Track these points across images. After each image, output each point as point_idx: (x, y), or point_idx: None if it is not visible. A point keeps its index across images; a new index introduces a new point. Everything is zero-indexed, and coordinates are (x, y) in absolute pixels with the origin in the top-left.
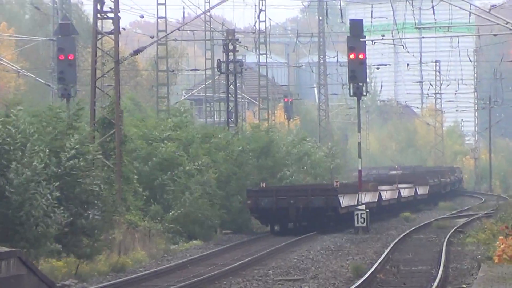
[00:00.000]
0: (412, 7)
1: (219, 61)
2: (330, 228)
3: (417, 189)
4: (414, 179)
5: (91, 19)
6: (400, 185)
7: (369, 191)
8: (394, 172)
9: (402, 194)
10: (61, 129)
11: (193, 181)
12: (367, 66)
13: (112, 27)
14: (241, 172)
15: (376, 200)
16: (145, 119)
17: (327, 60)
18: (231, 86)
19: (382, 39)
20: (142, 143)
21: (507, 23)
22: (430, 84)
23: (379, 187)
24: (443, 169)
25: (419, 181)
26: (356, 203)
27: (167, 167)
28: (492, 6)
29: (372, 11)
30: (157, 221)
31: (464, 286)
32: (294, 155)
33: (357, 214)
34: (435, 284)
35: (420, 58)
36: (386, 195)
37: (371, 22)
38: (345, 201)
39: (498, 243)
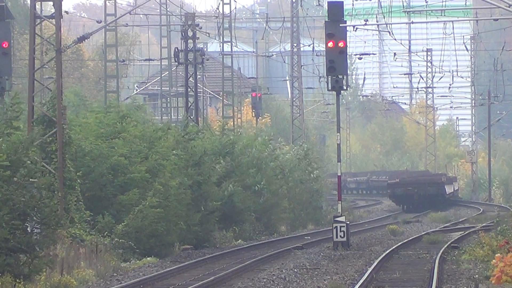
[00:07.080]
0: None
1: (176, 49)
2: (438, 208)
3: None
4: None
5: (28, 1)
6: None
7: (451, 184)
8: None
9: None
10: None
11: (151, 192)
12: (347, 56)
13: (53, 10)
14: (205, 179)
15: (457, 189)
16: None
17: (301, 48)
18: (191, 78)
19: (365, 24)
20: (92, 141)
21: (510, 6)
22: (421, 76)
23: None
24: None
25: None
26: (452, 191)
27: (117, 173)
28: None
29: None
30: (105, 234)
31: None
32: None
33: (336, 227)
34: None
35: (409, 47)
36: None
37: (353, 5)
38: (448, 189)
39: (494, 261)
